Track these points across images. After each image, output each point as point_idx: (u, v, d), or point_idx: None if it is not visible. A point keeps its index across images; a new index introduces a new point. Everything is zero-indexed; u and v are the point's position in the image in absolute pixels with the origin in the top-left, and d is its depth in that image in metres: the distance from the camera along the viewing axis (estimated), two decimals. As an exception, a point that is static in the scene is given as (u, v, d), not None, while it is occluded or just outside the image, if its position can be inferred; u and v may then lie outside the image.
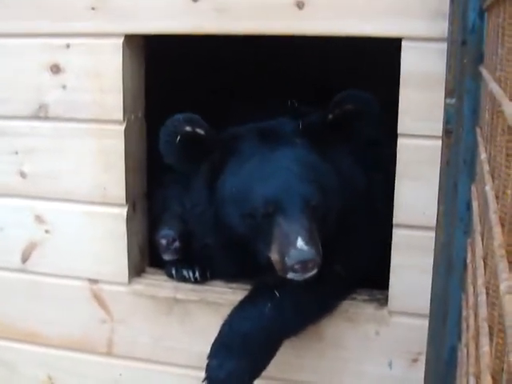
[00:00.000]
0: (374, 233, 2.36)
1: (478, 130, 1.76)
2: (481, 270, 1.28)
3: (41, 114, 2.50)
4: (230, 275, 2.53)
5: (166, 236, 2.60)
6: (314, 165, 2.25)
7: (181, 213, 2.61)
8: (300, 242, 2.01)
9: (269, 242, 2.11)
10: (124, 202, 2.49)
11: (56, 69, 2.45)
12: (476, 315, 1.33)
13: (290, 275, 2.05)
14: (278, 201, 2.12)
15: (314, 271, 2.04)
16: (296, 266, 2.00)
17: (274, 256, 2.09)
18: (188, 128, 2.21)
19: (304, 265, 2.01)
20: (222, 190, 2.26)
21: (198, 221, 2.40)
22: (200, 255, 2.53)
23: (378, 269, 2.34)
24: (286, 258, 2.02)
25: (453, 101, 1.87)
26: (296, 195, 2.13)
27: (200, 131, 2.23)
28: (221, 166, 2.28)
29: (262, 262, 2.18)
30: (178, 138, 2.21)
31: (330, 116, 2.27)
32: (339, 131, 2.26)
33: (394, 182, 2.22)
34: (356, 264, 2.33)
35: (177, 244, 2.59)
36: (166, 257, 2.64)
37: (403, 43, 2.10)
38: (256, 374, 2.20)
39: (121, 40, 2.36)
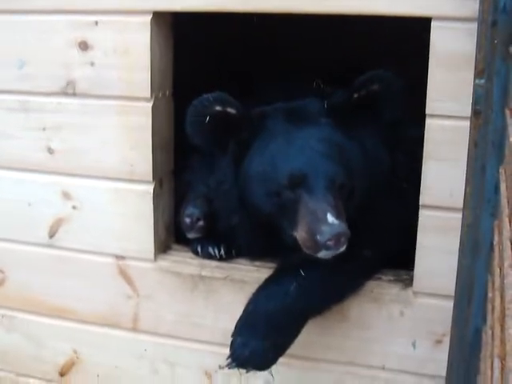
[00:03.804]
0: (399, 213, 2.35)
1: (507, 112, 1.74)
2: (507, 252, 1.27)
3: (69, 90, 2.51)
4: (254, 254, 2.55)
5: (190, 215, 2.61)
6: (338, 144, 2.24)
7: (206, 193, 2.61)
8: (330, 218, 2.00)
9: (295, 220, 2.10)
10: (151, 178, 2.50)
11: (84, 46, 2.45)
12: (502, 297, 1.33)
13: (322, 253, 2.04)
14: (303, 176, 2.11)
15: (345, 246, 2.03)
16: (329, 243, 1.98)
17: (302, 234, 2.07)
18: (218, 107, 2.21)
19: (337, 239, 1.99)
20: (248, 168, 2.27)
21: (223, 199, 2.41)
22: (225, 234, 2.55)
23: (403, 249, 2.34)
24: (318, 236, 2.00)
25: (482, 81, 1.84)
26: (321, 173, 2.12)
27: (231, 110, 2.22)
28: (248, 144, 2.28)
29: (288, 241, 2.19)
30: (208, 118, 2.21)
31: (355, 96, 2.26)
32: (364, 111, 2.25)
33: (419, 163, 2.21)
34: (382, 244, 2.32)
35: (201, 223, 2.60)
36: (190, 235, 2.66)
37: (433, 23, 2.07)
38: (280, 352, 2.21)
39: (149, 17, 2.35)
